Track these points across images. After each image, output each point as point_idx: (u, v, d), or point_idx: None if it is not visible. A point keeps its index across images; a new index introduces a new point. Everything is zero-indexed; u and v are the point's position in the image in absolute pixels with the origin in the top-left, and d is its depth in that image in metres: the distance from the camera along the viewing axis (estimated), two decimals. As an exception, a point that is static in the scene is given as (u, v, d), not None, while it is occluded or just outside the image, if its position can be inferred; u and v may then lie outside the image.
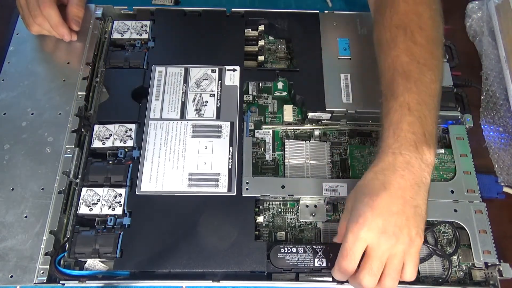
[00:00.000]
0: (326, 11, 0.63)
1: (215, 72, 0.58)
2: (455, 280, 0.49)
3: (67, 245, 0.48)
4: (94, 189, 0.50)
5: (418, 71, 0.44)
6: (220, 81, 0.57)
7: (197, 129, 0.54)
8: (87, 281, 0.46)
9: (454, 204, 0.50)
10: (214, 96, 0.56)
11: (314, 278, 0.47)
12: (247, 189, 0.50)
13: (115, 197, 0.49)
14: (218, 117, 0.55)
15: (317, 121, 0.57)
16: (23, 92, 0.57)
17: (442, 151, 0.54)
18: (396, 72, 0.45)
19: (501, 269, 0.47)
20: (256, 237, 0.48)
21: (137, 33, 0.60)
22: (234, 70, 0.58)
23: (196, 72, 0.58)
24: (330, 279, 0.47)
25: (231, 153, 0.52)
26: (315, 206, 0.52)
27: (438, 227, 0.51)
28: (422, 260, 0.49)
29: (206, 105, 0.55)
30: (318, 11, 0.63)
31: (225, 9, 0.62)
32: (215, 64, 0.58)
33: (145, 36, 0.60)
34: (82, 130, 0.55)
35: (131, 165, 0.51)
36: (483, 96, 0.62)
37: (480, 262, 0.48)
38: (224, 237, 0.47)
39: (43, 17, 0.57)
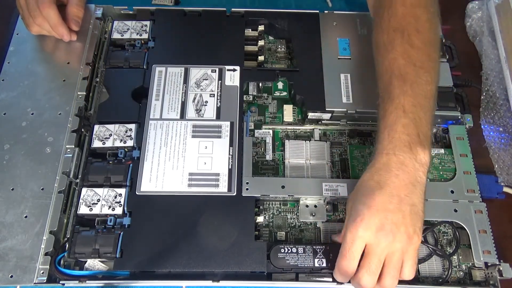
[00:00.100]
0: (326, 11, 0.63)
1: (215, 72, 0.58)
2: (455, 280, 0.49)
3: (67, 245, 0.48)
4: (94, 189, 0.50)
5: (414, 74, 0.45)
6: (220, 81, 0.57)
7: (197, 129, 0.54)
8: (87, 281, 0.46)
9: (454, 204, 0.50)
10: (214, 96, 0.56)
11: (314, 278, 0.47)
12: (247, 189, 0.50)
13: (115, 197, 0.49)
14: (218, 117, 0.55)
15: (317, 121, 0.57)
16: (23, 92, 0.57)
17: (442, 151, 0.54)
18: (393, 74, 0.46)
19: (501, 269, 0.47)
20: (256, 237, 0.48)
21: (137, 33, 0.60)
22: (234, 70, 0.58)
23: (196, 72, 0.58)
24: (330, 279, 0.47)
25: (231, 153, 0.52)
26: (315, 206, 0.52)
27: (438, 227, 0.51)
28: (422, 260, 0.49)
29: (206, 105, 0.55)
30: (318, 11, 0.63)
31: (225, 9, 0.62)
32: (215, 64, 0.58)
33: (145, 36, 0.60)
34: (82, 130, 0.55)
35: (131, 165, 0.51)
36: (483, 96, 0.62)
37: (480, 262, 0.48)
38: (224, 237, 0.47)
39: (42, 17, 0.57)
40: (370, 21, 0.58)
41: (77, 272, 0.47)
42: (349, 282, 0.44)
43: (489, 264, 0.48)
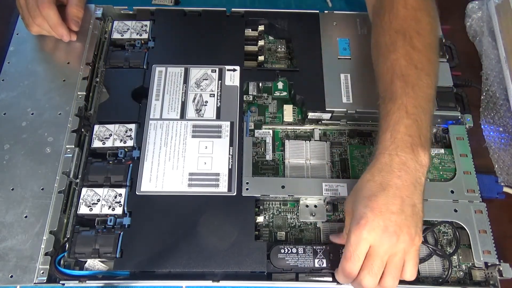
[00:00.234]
0: (326, 11, 0.63)
1: (215, 72, 0.58)
2: (455, 280, 0.49)
3: (67, 245, 0.48)
4: (94, 189, 0.50)
5: (415, 76, 0.45)
6: (220, 81, 0.57)
7: (197, 129, 0.54)
8: (87, 281, 0.46)
9: (454, 204, 0.50)
10: (214, 96, 0.56)
11: (314, 278, 0.47)
12: (247, 189, 0.50)
13: (115, 197, 0.49)
14: (218, 117, 0.55)
15: (317, 121, 0.57)
16: (23, 92, 0.57)
17: (442, 151, 0.54)
18: (395, 75, 0.46)
19: (501, 269, 0.47)
20: (256, 237, 0.48)
21: (137, 33, 0.60)
22: (234, 70, 0.58)
23: (196, 72, 0.58)
24: (330, 279, 0.47)
25: (231, 153, 0.52)
26: (315, 206, 0.52)
27: (438, 227, 0.51)
28: (422, 260, 0.49)
29: (206, 105, 0.55)
30: (318, 11, 0.63)
31: (225, 9, 0.62)
32: (215, 64, 0.58)
33: (145, 36, 0.60)
34: (82, 130, 0.55)
35: (131, 165, 0.51)
36: (483, 96, 0.62)
37: (480, 262, 0.48)
38: (224, 237, 0.47)
39: (42, 18, 0.57)
40: (370, 21, 0.58)
41: (77, 272, 0.47)
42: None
43: (489, 264, 0.48)
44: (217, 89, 0.57)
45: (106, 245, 0.47)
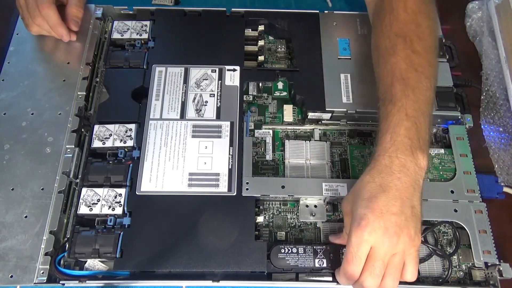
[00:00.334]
0: (326, 11, 0.63)
1: (215, 72, 0.58)
2: (455, 280, 0.49)
3: (67, 245, 0.48)
4: (94, 189, 0.50)
5: (416, 79, 0.46)
6: (220, 81, 0.57)
7: (197, 129, 0.54)
8: (87, 281, 0.46)
9: (454, 204, 0.50)
10: (214, 96, 0.56)
11: (314, 278, 0.47)
12: (247, 189, 0.50)
13: (115, 197, 0.49)
14: (218, 117, 0.55)
15: (317, 121, 0.57)
16: (23, 92, 0.57)
17: (442, 151, 0.54)
18: (395, 78, 0.46)
19: (501, 269, 0.47)
20: (256, 237, 0.48)
21: (137, 33, 0.60)
22: (234, 70, 0.58)
23: (196, 72, 0.58)
24: (330, 278, 0.47)
25: (231, 153, 0.52)
26: (315, 206, 0.52)
27: (438, 227, 0.51)
28: (422, 260, 0.49)
29: (206, 105, 0.55)
30: (318, 11, 0.63)
31: (225, 9, 0.62)
32: (215, 64, 0.58)
33: (145, 36, 0.60)
34: (82, 130, 0.55)
35: (131, 165, 0.51)
36: (483, 96, 0.62)
37: (480, 262, 0.48)
38: (224, 237, 0.47)
39: (42, 18, 0.57)
40: (370, 22, 0.58)
41: (77, 272, 0.47)
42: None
43: (489, 264, 0.48)
44: (217, 89, 0.57)
45: (106, 245, 0.47)
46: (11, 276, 0.46)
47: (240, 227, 0.48)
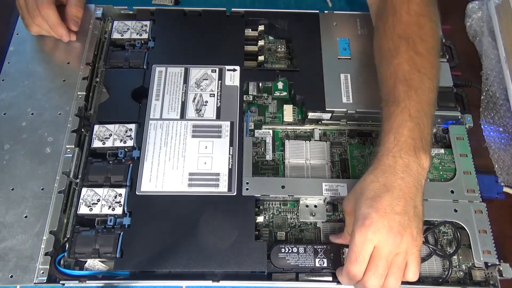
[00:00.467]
0: (326, 11, 0.63)
1: (215, 72, 0.58)
2: (455, 280, 0.49)
3: (67, 245, 0.48)
4: (94, 189, 0.50)
5: (418, 80, 0.46)
6: (220, 81, 0.57)
7: (197, 129, 0.54)
8: (87, 281, 0.46)
9: (454, 204, 0.50)
10: (214, 96, 0.56)
11: (313, 278, 0.47)
12: (247, 189, 0.50)
13: (115, 197, 0.49)
14: (218, 117, 0.55)
15: (317, 121, 0.57)
16: (23, 92, 0.57)
17: (442, 151, 0.54)
18: (398, 79, 0.46)
19: (501, 269, 0.47)
20: (256, 237, 0.48)
21: (137, 33, 0.60)
22: (234, 70, 0.58)
23: (196, 72, 0.58)
24: (330, 278, 0.47)
25: (231, 153, 0.52)
26: (315, 206, 0.52)
27: (439, 227, 0.51)
28: (422, 260, 0.49)
29: (206, 105, 0.55)
30: (318, 11, 0.63)
31: (225, 9, 0.62)
32: (215, 64, 0.58)
33: (145, 36, 0.60)
34: (82, 130, 0.55)
35: (131, 165, 0.51)
36: (483, 96, 0.62)
37: (480, 262, 0.48)
38: (224, 237, 0.47)
39: (41, 18, 0.57)
40: (370, 21, 0.58)
41: (77, 272, 0.47)
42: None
43: (489, 264, 0.48)
44: (217, 89, 0.57)
45: (106, 245, 0.47)
46: (11, 276, 0.46)
47: (240, 227, 0.48)
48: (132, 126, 0.53)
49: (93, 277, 0.47)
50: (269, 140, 0.57)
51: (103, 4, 0.64)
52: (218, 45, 0.60)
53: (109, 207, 0.49)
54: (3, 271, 0.46)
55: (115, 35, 0.60)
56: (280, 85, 0.59)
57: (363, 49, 0.59)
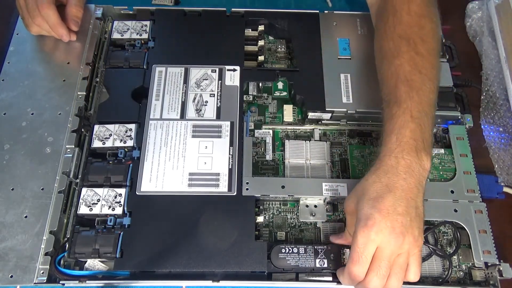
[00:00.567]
0: (326, 11, 0.63)
1: (215, 72, 0.58)
2: (455, 280, 0.49)
3: (67, 245, 0.48)
4: (94, 189, 0.50)
5: (420, 81, 0.46)
6: (220, 81, 0.57)
7: (197, 129, 0.54)
8: (87, 281, 0.46)
9: (454, 204, 0.50)
10: (214, 96, 0.56)
11: (314, 278, 0.47)
12: (247, 189, 0.50)
13: (115, 197, 0.49)
14: (218, 117, 0.55)
15: (317, 121, 0.57)
16: (23, 92, 0.57)
17: (442, 151, 0.54)
18: (399, 80, 0.46)
19: (501, 269, 0.47)
20: (256, 237, 0.48)
21: (137, 33, 0.60)
22: (234, 70, 0.58)
23: (196, 72, 0.58)
24: (330, 278, 0.47)
25: (231, 153, 0.52)
26: (315, 206, 0.52)
27: (439, 227, 0.51)
28: (422, 260, 0.49)
29: (206, 105, 0.55)
30: (318, 11, 0.63)
31: (225, 9, 0.62)
32: (215, 64, 0.58)
33: (145, 36, 0.60)
34: (82, 130, 0.55)
35: (131, 165, 0.51)
36: (483, 96, 0.62)
37: (480, 262, 0.48)
38: (224, 237, 0.47)
39: (41, 18, 0.57)
40: (370, 21, 0.58)
41: (77, 272, 0.47)
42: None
43: (489, 264, 0.48)
44: (217, 89, 0.57)
45: (106, 245, 0.47)
46: (11, 276, 0.46)
47: (240, 227, 0.48)
48: (132, 126, 0.53)
49: (93, 277, 0.47)
50: (269, 140, 0.57)
51: (103, 4, 0.64)
52: (218, 45, 0.60)
53: (109, 207, 0.49)
54: (3, 271, 0.46)
55: (115, 35, 0.60)
56: (280, 85, 0.59)
57: (363, 49, 0.59)
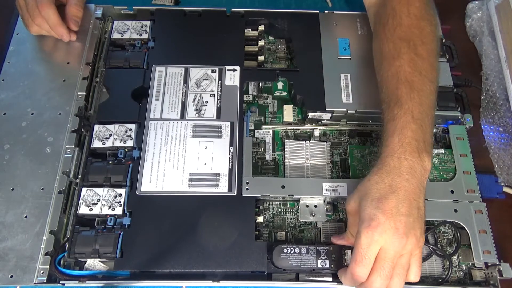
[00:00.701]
0: (326, 11, 0.63)
1: (215, 72, 0.58)
2: (455, 280, 0.49)
3: (67, 245, 0.48)
4: (94, 189, 0.50)
5: (420, 82, 0.46)
6: (220, 81, 0.57)
7: (197, 129, 0.54)
8: (87, 281, 0.46)
9: (454, 204, 0.50)
10: (214, 96, 0.56)
11: (314, 278, 0.47)
12: (247, 189, 0.50)
13: (115, 197, 0.49)
14: (218, 117, 0.55)
15: (317, 121, 0.57)
16: (23, 92, 0.57)
17: (442, 151, 0.55)
18: (400, 81, 0.47)
19: (501, 269, 0.47)
20: (256, 237, 0.48)
21: (137, 33, 0.60)
22: (234, 70, 0.58)
23: (196, 72, 0.58)
24: (331, 279, 0.47)
25: (231, 153, 0.52)
26: (315, 206, 0.52)
27: (439, 227, 0.51)
28: (422, 260, 0.49)
29: (206, 105, 0.55)
30: (318, 11, 0.63)
31: (225, 9, 0.62)
32: (215, 64, 0.58)
33: (145, 36, 0.60)
34: (82, 130, 0.55)
35: (131, 165, 0.51)
36: (483, 96, 0.62)
37: (480, 262, 0.48)
38: (225, 237, 0.47)
39: (41, 18, 0.56)
40: (371, 27, 0.58)
41: (77, 272, 0.47)
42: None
43: (489, 264, 0.48)
44: (217, 89, 0.57)
45: (106, 245, 0.47)
46: (11, 276, 0.46)
47: (240, 227, 0.48)
48: (132, 126, 0.53)
49: (93, 277, 0.47)
50: (269, 140, 0.57)
51: (103, 4, 0.64)
52: (218, 45, 0.60)
53: (109, 207, 0.49)
54: (3, 271, 0.46)
55: (115, 35, 0.60)
56: (280, 85, 0.59)
57: (363, 49, 0.59)
